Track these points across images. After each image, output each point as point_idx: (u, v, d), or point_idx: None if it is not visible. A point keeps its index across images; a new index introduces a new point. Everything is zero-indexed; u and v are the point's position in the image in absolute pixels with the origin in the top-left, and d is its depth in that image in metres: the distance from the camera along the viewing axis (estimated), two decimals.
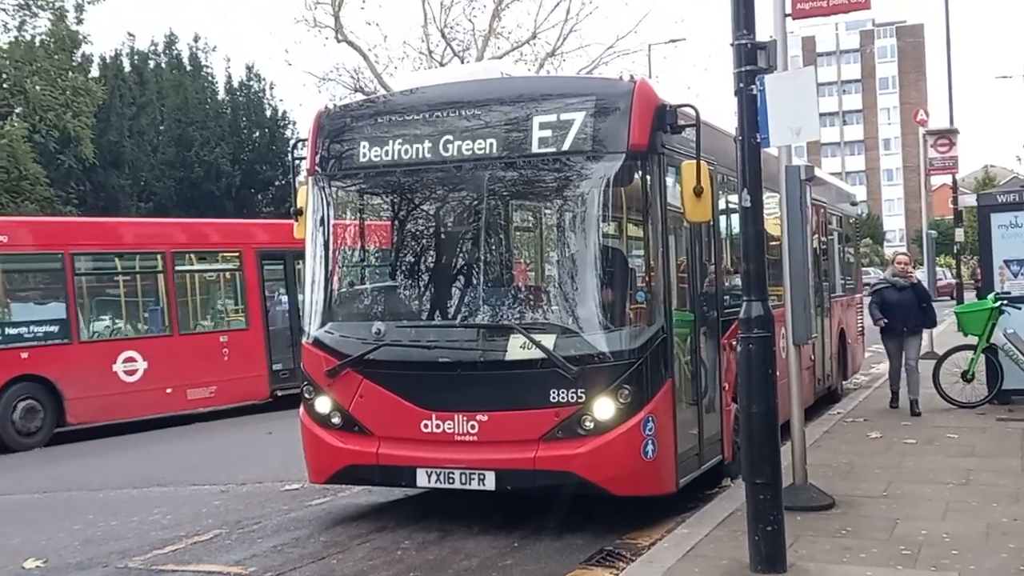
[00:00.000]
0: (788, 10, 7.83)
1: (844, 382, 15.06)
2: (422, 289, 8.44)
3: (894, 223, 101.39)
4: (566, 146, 7.66)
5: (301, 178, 9.09)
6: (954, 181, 26.03)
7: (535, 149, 7.78)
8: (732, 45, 6.00)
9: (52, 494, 10.78)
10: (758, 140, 5.95)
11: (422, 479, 7.83)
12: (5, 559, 7.77)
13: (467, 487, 7.68)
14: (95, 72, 28.35)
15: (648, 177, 7.65)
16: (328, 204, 8.48)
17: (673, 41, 36.30)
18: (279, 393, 17.71)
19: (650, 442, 7.38)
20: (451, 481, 7.73)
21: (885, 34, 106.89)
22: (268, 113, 33.82)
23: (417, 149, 8.09)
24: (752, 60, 5.94)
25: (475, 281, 7.99)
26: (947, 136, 20.87)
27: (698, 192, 7.40)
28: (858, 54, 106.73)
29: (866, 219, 67.80)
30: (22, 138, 22.59)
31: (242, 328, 17.67)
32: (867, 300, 13.88)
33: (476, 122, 7.96)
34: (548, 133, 7.73)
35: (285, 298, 18.49)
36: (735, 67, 5.98)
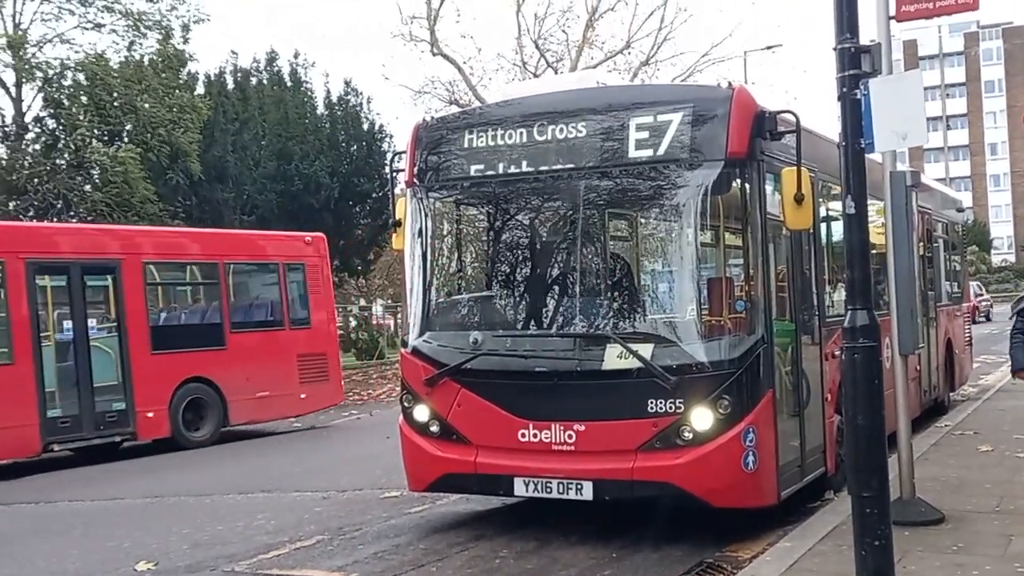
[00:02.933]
0: (892, 12, 7.64)
1: (951, 394, 14.62)
2: (519, 299, 8.46)
3: (1002, 230, 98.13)
4: (663, 154, 7.61)
5: (399, 190, 9.22)
6: None
7: (632, 157, 7.75)
8: (835, 49, 5.87)
9: (162, 499, 11.10)
10: (862, 146, 5.81)
11: (519, 488, 7.84)
12: (118, 562, 8.02)
13: (564, 497, 7.67)
14: (200, 90, 29.15)
15: (747, 185, 7.55)
16: (426, 215, 8.57)
17: (770, 47, 35.86)
18: (56, 448, 14.29)
19: (750, 453, 7.27)
20: (548, 491, 7.72)
21: (990, 36, 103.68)
22: (365, 127, 34.30)
23: (513, 160, 8.13)
24: (856, 64, 5.79)
25: (572, 291, 7.99)
26: None
27: (799, 199, 7.29)
28: (962, 57, 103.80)
29: (972, 226, 65.83)
30: (133, 160, 23.37)
31: (2, 363, 13.67)
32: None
33: (572, 132, 7.97)
34: (645, 141, 7.70)
35: (69, 323, 14.62)
36: (838, 71, 5.85)
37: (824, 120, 8.85)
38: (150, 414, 15.17)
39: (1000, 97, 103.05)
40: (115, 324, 15.11)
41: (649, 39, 32.89)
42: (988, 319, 40.86)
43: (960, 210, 17.09)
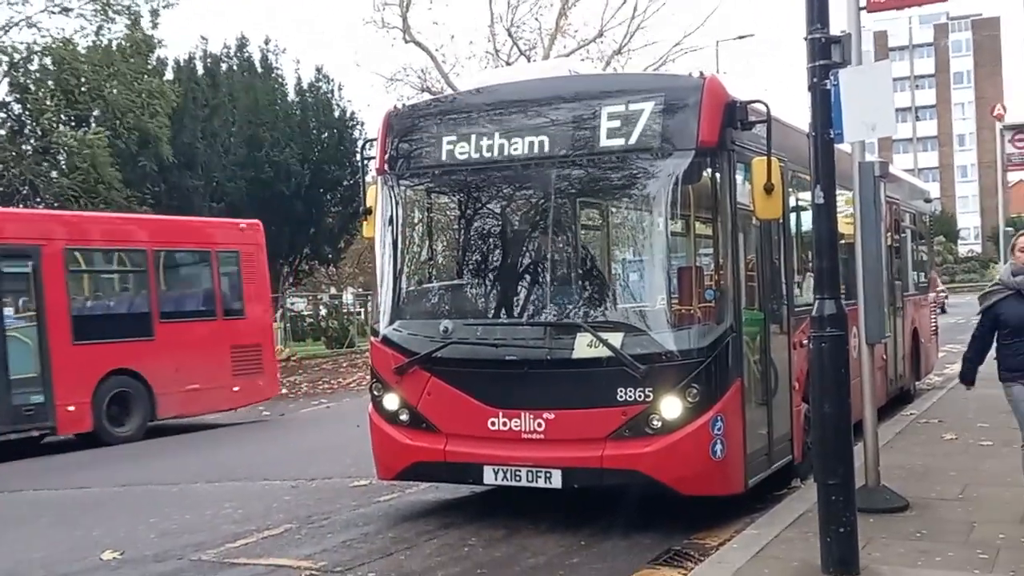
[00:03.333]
0: (863, 3, 7.69)
1: (917, 383, 14.77)
2: (489, 287, 8.45)
3: (969, 220, 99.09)
4: (634, 143, 7.62)
5: (370, 178, 9.18)
6: None
7: (603, 146, 7.76)
8: (806, 39, 5.91)
9: (130, 488, 11.03)
10: (832, 136, 5.85)
11: (489, 477, 7.85)
12: (85, 550, 7.95)
13: (534, 485, 7.68)
14: (169, 75, 28.88)
15: (718, 174, 7.58)
16: (397, 203, 8.54)
17: (741, 37, 36.00)
18: None
19: (719, 442, 7.32)
20: (518, 479, 7.74)
21: (960, 28, 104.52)
22: (336, 114, 34.18)
23: (485, 148, 8.11)
24: (826, 54, 5.85)
25: (542, 279, 8.00)
26: None
27: (769, 189, 7.31)
28: (931, 48, 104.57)
29: (939, 216, 66.37)
30: (101, 144, 23.11)
31: None
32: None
33: (544, 120, 7.97)
34: (616, 130, 7.70)
35: None
36: (809, 61, 5.89)
37: (795, 110, 8.88)
38: (71, 408, 14.43)
39: (968, 88, 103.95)
40: (34, 313, 14.41)
41: (622, 28, 32.89)
42: (943, 311, 40.31)
43: (928, 200, 17.24)
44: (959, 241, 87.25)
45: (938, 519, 7.07)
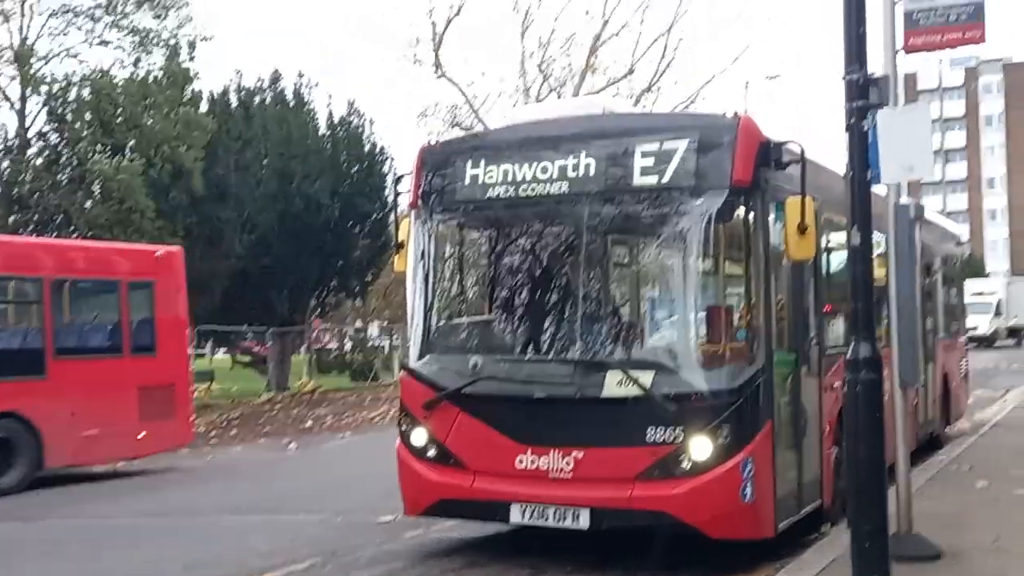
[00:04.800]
0: (899, 45, 7.68)
1: (947, 428, 14.58)
2: (520, 324, 8.42)
3: (998, 265, 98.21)
4: (668, 181, 7.63)
5: (399, 211, 9.21)
6: None
7: (636, 184, 7.77)
8: (844, 80, 5.92)
9: (155, 518, 11.02)
10: (869, 177, 5.82)
11: (515, 515, 7.79)
12: None
13: (561, 525, 7.62)
14: (204, 108, 29.20)
15: (751, 213, 7.56)
16: (429, 238, 8.56)
17: (771, 77, 36.06)
18: None
19: (749, 484, 7.24)
20: (545, 518, 7.67)
21: (991, 70, 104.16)
22: (366, 148, 34.33)
23: (518, 184, 8.14)
24: (864, 95, 5.85)
25: (573, 317, 7.96)
26: None
27: (802, 229, 7.29)
28: (962, 91, 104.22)
29: (968, 260, 65.91)
30: (138, 174, 23.35)
31: None
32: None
33: (577, 157, 7.98)
34: (650, 168, 7.72)
35: None
36: (847, 102, 5.89)
37: (822, 151, 8.85)
38: None
39: (999, 131, 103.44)
40: None
41: (651, 66, 33.11)
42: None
43: (959, 244, 17.12)
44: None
45: (971, 569, 6.94)
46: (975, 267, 76.49)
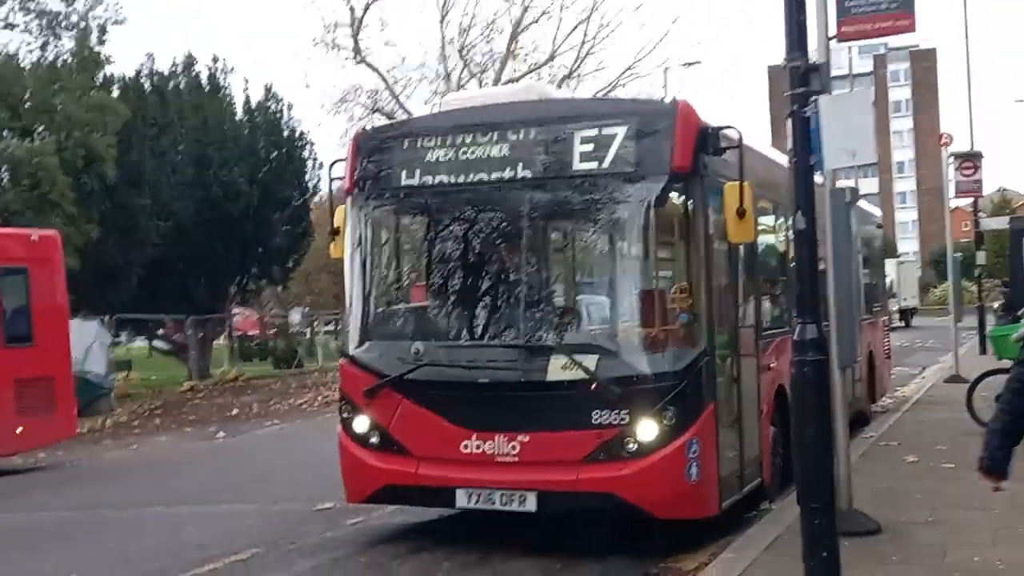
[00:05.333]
0: (832, 32, 7.81)
1: (873, 405, 14.96)
2: (462, 309, 8.37)
3: (908, 246, 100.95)
4: (607, 167, 7.66)
5: (321, 197, 9.09)
6: (975, 204, 26.01)
7: (576, 169, 7.79)
8: (784, 67, 5.99)
9: (83, 512, 10.76)
10: (812, 163, 5.92)
11: (462, 500, 7.78)
12: None
13: (508, 508, 7.63)
14: (116, 93, 28.44)
15: (690, 199, 7.63)
16: (366, 224, 8.48)
17: (689, 64, 36.38)
18: None
19: (694, 464, 7.33)
20: (491, 502, 7.68)
21: (898, 58, 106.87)
22: (285, 134, 33.84)
23: (456, 170, 8.09)
24: (805, 82, 5.93)
25: (516, 301, 7.96)
26: (971, 159, 20.87)
27: (741, 214, 7.40)
28: (871, 78, 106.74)
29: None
30: (51, 154, 22.62)
31: None
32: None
33: (516, 143, 7.97)
34: (589, 154, 7.74)
35: None
36: (788, 88, 5.97)
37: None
38: None
39: (907, 117, 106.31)
40: None
41: (572, 52, 33.20)
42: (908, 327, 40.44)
43: (879, 226, 17.56)
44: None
45: (912, 542, 7.14)
46: (888, 248, 78.61)
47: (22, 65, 24.97)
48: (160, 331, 33.51)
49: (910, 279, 51.14)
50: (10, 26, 25.76)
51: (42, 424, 14.39)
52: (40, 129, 24.90)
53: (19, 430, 13.98)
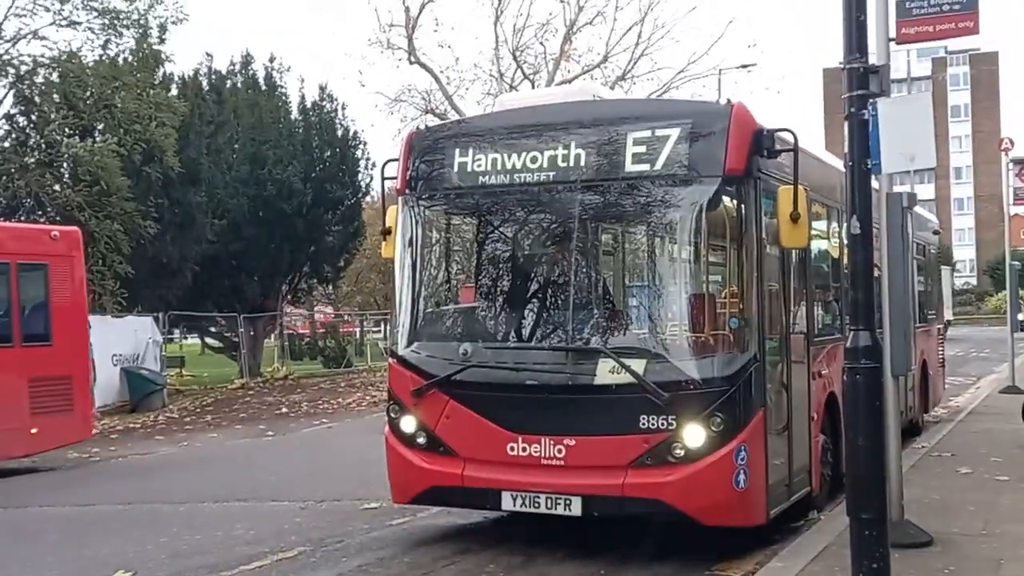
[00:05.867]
0: (892, 34, 7.67)
1: (925, 415, 14.71)
2: (510, 311, 8.38)
3: (964, 253, 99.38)
4: (660, 169, 7.61)
5: (373, 196, 9.10)
6: None
7: (628, 171, 7.74)
8: (843, 69, 5.89)
9: (136, 506, 10.90)
10: (869, 166, 5.82)
11: (507, 502, 7.76)
12: (95, 570, 7.86)
13: (553, 512, 7.59)
14: (174, 91, 28.86)
15: (743, 202, 7.54)
16: (417, 224, 8.49)
17: (744, 66, 36.07)
18: None
19: (742, 472, 7.24)
20: (536, 506, 7.64)
21: (958, 61, 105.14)
22: (339, 133, 34.11)
23: (507, 171, 8.07)
24: (864, 84, 5.82)
25: (565, 304, 7.92)
26: None
27: (795, 218, 7.31)
28: (929, 82, 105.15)
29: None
30: (111, 151, 22.98)
31: None
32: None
33: (568, 144, 7.93)
34: (642, 156, 7.68)
35: None
36: (846, 91, 5.86)
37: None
38: None
39: (966, 122, 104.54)
40: None
41: (626, 54, 33.08)
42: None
43: (936, 232, 17.26)
44: (955, 273, 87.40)
45: (964, 555, 7.00)
46: (944, 255, 77.45)
47: (84, 63, 25.36)
48: (212, 328, 33.91)
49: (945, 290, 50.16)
50: (73, 24, 26.19)
51: (58, 425, 14.08)
52: (100, 127, 25.31)
53: (34, 431, 13.70)
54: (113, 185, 22.92)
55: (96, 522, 10.11)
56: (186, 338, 41.81)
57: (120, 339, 22.76)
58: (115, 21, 25.64)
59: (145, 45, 25.87)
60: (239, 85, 33.11)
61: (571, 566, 7.46)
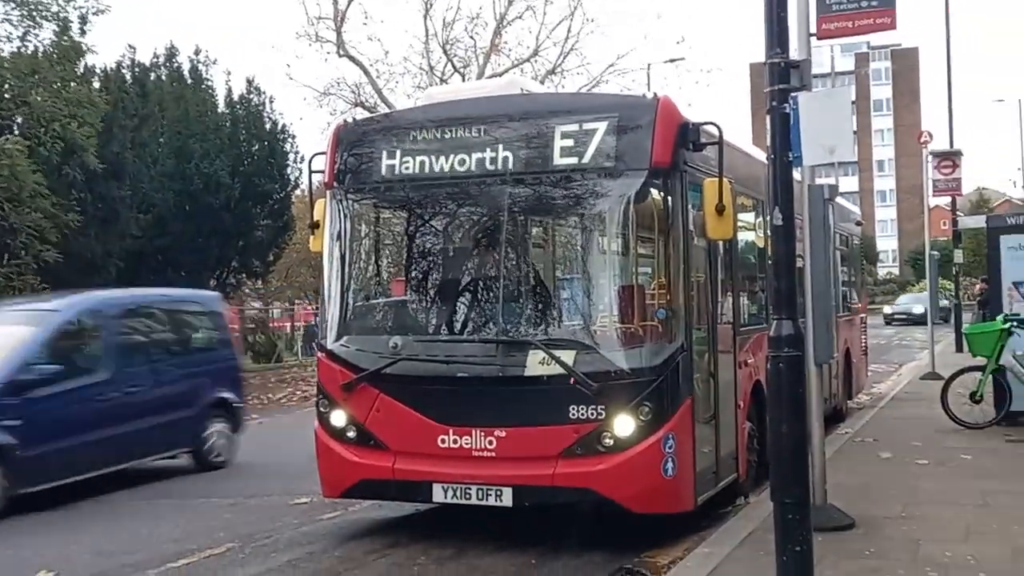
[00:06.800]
0: (813, 30, 7.82)
1: (849, 402, 15.04)
2: (440, 304, 8.39)
3: (887, 244, 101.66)
4: (587, 162, 7.67)
5: (302, 190, 9.04)
6: (953, 202, 26.16)
7: (556, 164, 7.80)
8: (765, 64, 5.99)
9: (57, 504, 10.65)
10: (790, 159, 5.92)
11: (438, 494, 7.78)
12: (16, 571, 7.69)
13: (484, 503, 7.63)
14: (97, 84, 28.23)
15: (670, 194, 7.64)
16: (345, 218, 8.46)
17: (672, 60, 36.40)
18: None
19: (670, 460, 7.35)
20: (468, 497, 7.67)
21: (880, 57, 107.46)
22: (268, 127, 33.67)
23: (436, 164, 8.09)
24: (785, 79, 5.93)
25: (494, 297, 7.96)
26: (951, 157, 21.00)
27: (720, 210, 7.42)
28: (852, 76, 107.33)
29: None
30: (20, 152, 22.38)
31: None
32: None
33: (496, 137, 7.97)
34: (569, 149, 7.74)
35: None
36: (768, 85, 5.96)
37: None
38: None
39: (888, 116, 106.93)
40: None
41: (556, 48, 33.17)
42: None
43: (858, 223, 17.63)
44: (878, 263, 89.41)
45: (885, 537, 7.18)
46: (866, 246, 79.17)
47: (1, 56, 24.68)
48: None
49: None
50: None
51: None
52: (18, 121, 24.64)
53: None
54: (27, 185, 22.32)
55: (13, 524, 9.86)
56: None
57: None
58: (34, 12, 24.97)
59: (66, 38, 25.23)
60: (163, 78, 32.51)
61: (502, 557, 7.49)
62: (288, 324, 42.44)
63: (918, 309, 43.18)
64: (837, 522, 7.41)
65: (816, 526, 6.88)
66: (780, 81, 5.97)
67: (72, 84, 24.65)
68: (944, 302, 30.13)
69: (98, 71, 29.38)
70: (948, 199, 25.26)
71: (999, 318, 12.36)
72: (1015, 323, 12.10)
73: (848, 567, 6.44)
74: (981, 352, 12.35)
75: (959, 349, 23.24)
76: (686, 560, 6.85)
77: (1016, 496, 8.46)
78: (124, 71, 31.10)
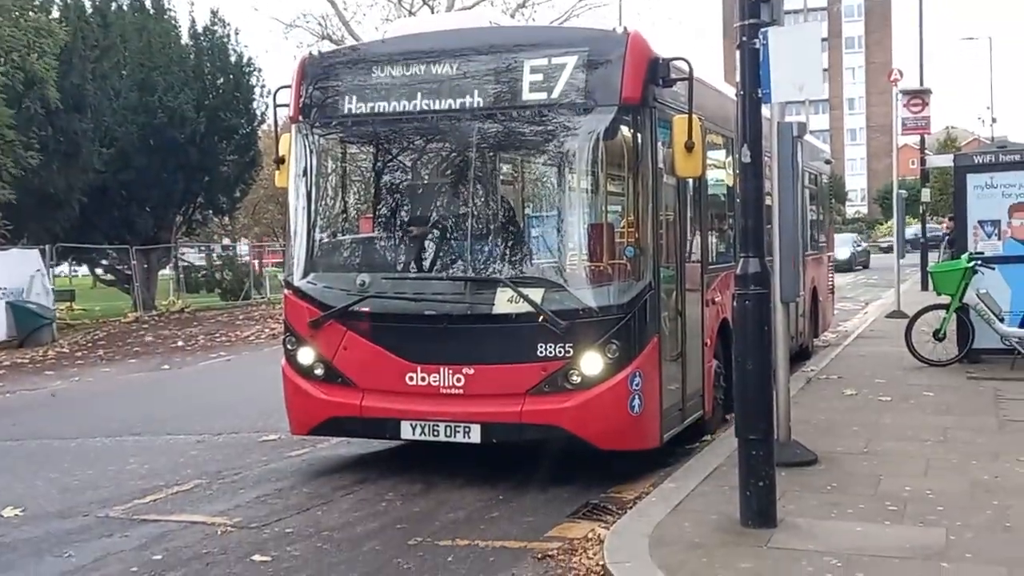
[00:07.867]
0: None
1: (815, 340, 15.18)
2: (408, 241, 8.32)
3: (856, 183, 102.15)
4: (556, 97, 7.59)
5: (269, 125, 8.88)
6: (922, 141, 26.25)
7: (524, 100, 7.71)
8: None
9: (25, 442, 10.63)
10: (760, 95, 5.88)
11: (406, 431, 7.79)
12: None
13: (452, 440, 7.66)
14: (56, 13, 27.58)
15: (639, 131, 7.58)
16: (311, 152, 8.34)
17: None
18: None
19: (636, 397, 7.40)
20: (436, 434, 7.69)
21: None
22: (232, 59, 33.13)
23: (403, 98, 7.98)
24: (756, 13, 5.87)
25: (462, 234, 7.91)
26: (920, 96, 21.01)
27: (689, 147, 7.38)
28: (824, 13, 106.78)
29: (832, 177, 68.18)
30: None
31: None
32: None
33: (464, 72, 7.86)
34: (538, 84, 7.65)
35: None
36: (738, 20, 5.92)
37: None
38: None
39: (859, 53, 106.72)
40: None
41: None
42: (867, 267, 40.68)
43: (828, 162, 17.65)
44: (847, 202, 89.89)
45: (846, 473, 7.28)
46: (835, 185, 79.51)
47: None
48: (104, 261, 32.96)
49: None
50: None
51: None
52: None
53: None
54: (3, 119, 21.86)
55: None
56: (76, 272, 40.57)
57: (4, 272, 22.00)
58: None
59: None
60: (125, 8, 31.80)
61: (471, 492, 7.54)
62: (256, 262, 42.13)
63: (842, 254, 35.44)
64: (800, 458, 7.50)
65: (779, 462, 6.98)
66: (751, 15, 5.92)
67: (30, 13, 24.06)
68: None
69: (57, 1, 28.67)
70: (917, 138, 25.33)
71: (963, 257, 12.45)
72: (979, 262, 12.19)
73: (810, 501, 6.53)
74: (945, 290, 12.47)
75: (924, 287, 23.47)
76: (651, 495, 6.92)
77: (975, 431, 8.60)
78: (84, 0, 30.39)
